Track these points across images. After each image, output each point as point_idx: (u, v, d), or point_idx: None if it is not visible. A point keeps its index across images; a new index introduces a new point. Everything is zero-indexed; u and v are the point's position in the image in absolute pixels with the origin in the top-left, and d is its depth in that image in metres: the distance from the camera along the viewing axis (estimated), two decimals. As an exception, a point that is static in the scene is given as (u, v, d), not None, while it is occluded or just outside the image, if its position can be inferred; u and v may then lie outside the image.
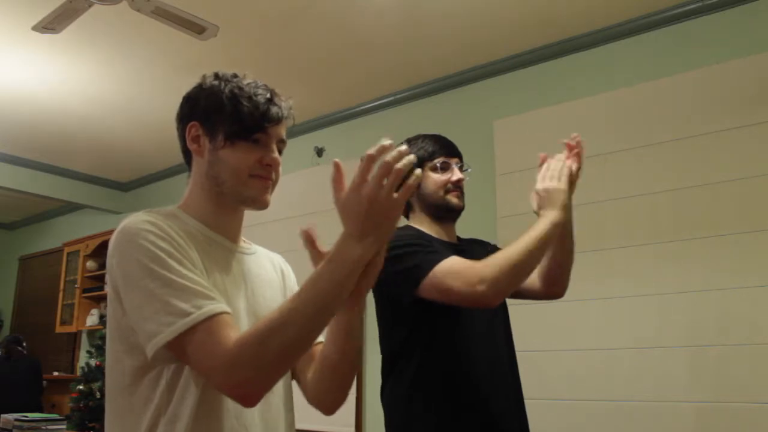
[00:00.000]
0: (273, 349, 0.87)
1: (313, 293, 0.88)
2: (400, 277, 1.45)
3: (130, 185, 5.39)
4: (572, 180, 1.52)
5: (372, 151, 0.84)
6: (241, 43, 3.11)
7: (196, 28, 2.68)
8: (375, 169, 0.84)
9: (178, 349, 0.91)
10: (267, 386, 0.92)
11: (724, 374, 2.34)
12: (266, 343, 0.87)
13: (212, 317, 0.90)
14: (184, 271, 0.93)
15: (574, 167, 1.53)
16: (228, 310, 0.94)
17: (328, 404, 1.12)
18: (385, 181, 0.84)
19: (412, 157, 0.85)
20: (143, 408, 0.95)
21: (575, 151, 1.54)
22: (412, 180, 0.86)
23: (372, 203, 0.85)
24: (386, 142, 0.85)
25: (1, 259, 6.92)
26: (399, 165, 0.84)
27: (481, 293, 1.36)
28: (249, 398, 0.92)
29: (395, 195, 0.85)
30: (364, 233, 0.87)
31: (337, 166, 0.92)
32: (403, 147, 0.85)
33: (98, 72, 3.44)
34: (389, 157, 0.84)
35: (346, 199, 0.88)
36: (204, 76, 1.11)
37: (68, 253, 5.63)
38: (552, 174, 1.48)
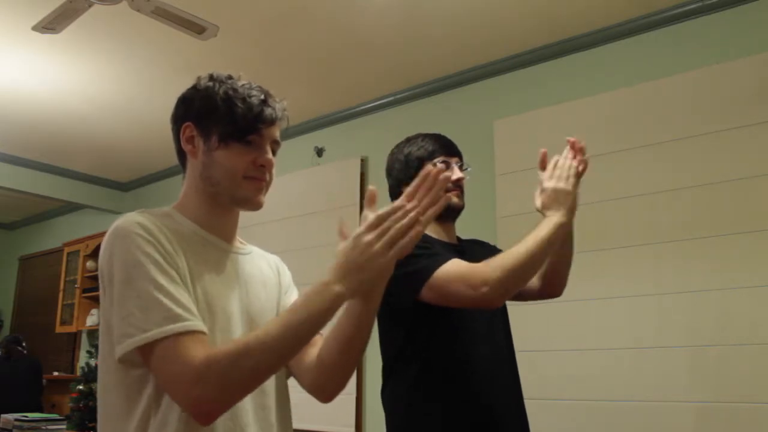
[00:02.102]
0: (243, 370, 0.88)
1: (289, 322, 0.91)
2: (401, 281, 1.45)
3: (130, 185, 5.40)
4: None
5: (383, 212, 0.93)
6: (241, 43, 3.11)
7: (196, 28, 2.68)
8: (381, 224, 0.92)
9: (143, 358, 0.92)
10: (227, 406, 0.92)
11: (724, 374, 2.33)
12: (237, 365, 0.88)
13: (175, 335, 0.90)
14: (162, 282, 0.93)
15: (580, 168, 1.53)
16: (199, 328, 0.93)
17: (328, 390, 1.11)
18: (385, 237, 0.92)
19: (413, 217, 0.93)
20: (131, 409, 0.95)
21: (579, 157, 1.54)
22: (406, 241, 0.92)
23: (364, 252, 0.91)
24: (399, 203, 0.94)
25: (1, 259, 6.92)
26: (402, 224, 0.92)
27: (484, 296, 1.35)
28: (206, 416, 0.91)
29: (390, 253, 0.92)
30: (345, 275, 0.92)
31: (370, 201, 0.99)
32: (411, 206, 0.94)
33: (98, 72, 3.44)
34: (395, 217, 0.92)
35: (347, 243, 0.93)
36: (199, 78, 1.12)
37: (68, 253, 5.64)
38: (561, 173, 1.44)
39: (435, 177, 0.95)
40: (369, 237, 0.91)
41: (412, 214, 0.92)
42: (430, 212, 0.94)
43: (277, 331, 0.90)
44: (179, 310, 0.92)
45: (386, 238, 0.91)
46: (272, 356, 0.90)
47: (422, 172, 0.96)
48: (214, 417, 0.92)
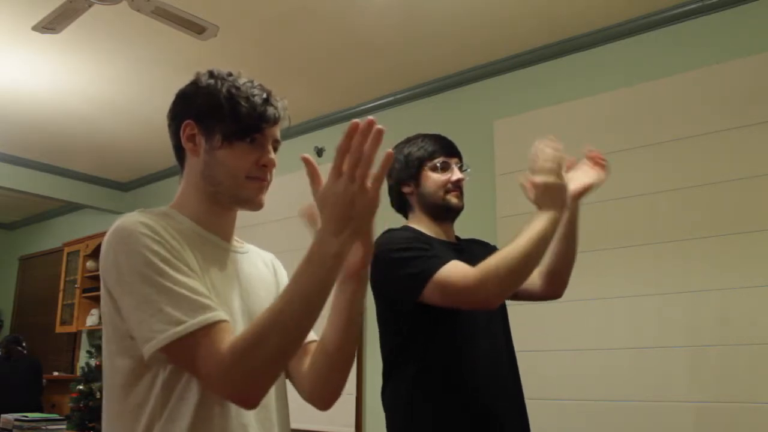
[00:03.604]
0: (265, 352, 0.87)
1: (296, 293, 0.89)
2: (402, 282, 1.45)
3: (130, 185, 5.40)
4: (591, 188, 1.54)
5: (341, 143, 0.85)
6: (241, 43, 3.11)
7: (196, 28, 2.68)
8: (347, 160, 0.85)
9: (172, 355, 0.92)
10: (265, 388, 0.92)
11: (724, 374, 2.33)
12: (258, 347, 0.87)
13: (206, 326, 0.90)
14: (180, 278, 0.93)
15: (600, 178, 1.55)
16: (225, 318, 0.93)
17: (325, 397, 1.11)
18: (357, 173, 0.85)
19: (378, 131, 0.85)
20: (138, 410, 0.94)
21: (599, 161, 1.56)
22: (379, 171, 0.86)
23: (345, 197, 0.86)
24: (354, 121, 0.85)
25: (1, 259, 6.92)
26: (365, 153, 0.84)
27: (482, 298, 1.37)
28: (248, 401, 0.92)
29: (369, 185, 0.86)
30: (340, 228, 0.87)
31: (307, 162, 0.93)
32: (370, 119, 0.84)
33: (98, 72, 3.44)
34: (356, 145, 0.84)
35: (323, 195, 0.89)
36: (198, 74, 1.10)
37: (68, 253, 5.64)
38: (549, 166, 1.39)
39: (364, 131, 0.84)
40: (342, 182, 0.86)
41: (371, 136, 0.84)
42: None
43: (286, 307, 0.88)
44: (205, 301, 0.92)
45: (358, 175, 0.85)
46: (288, 334, 0.89)
47: (348, 128, 0.85)
48: (256, 401, 0.92)
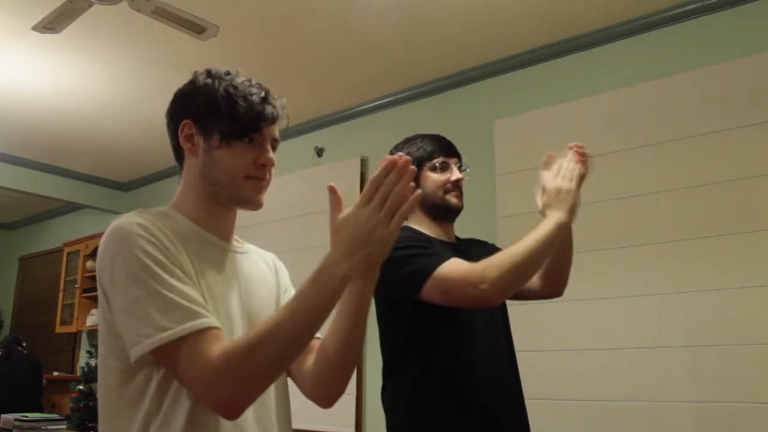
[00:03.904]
0: (258, 363, 0.87)
1: (299, 308, 0.89)
2: (402, 281, 1.45)
3: (130, 185, 5.40)
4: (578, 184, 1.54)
5: (377, 175, 0.87)
6: (241, 43, 3.11)
7: (196, 28, 2.68)
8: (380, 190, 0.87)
9: (160, 359, 0.91)
10: (250, 400, 0.92)
11: (724, 374, 2.33)
12: (251, 358, 0.87)
13: (195, 333, 0.90)
14: (172, 282, 0.92)
15: (582, 171, 1.53)
16: (215, 325, 0.93)
17: (328, 394, 1.10)
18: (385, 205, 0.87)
19: (411, 170, 0.88)
20: (132, 411, 0.94)
21: (581, 157, 1.55)
22: (405, 208, 0.88)
23: (368, 223, 0.87)
24: (390, 156, 0.88)
25: (1, 259, 6.92)
26: (398, 188, 0.86)
27: (483, 295, 1.35)
28: (231, 412, 0.91)
29: (393, 222, 0.87)
30: (353, 251, 0.88)
31: (332, 191, 0.94)
32: (406, 159, 0.88)
33: (98, 72, 3.44)
34: (391, 180, 0.87)
35: (344, 219, 0.90)
36: (196, 73, 1.10)
37: (68, 253, 5.64)
38: (565, 174, 1.44)
39: (400, 169, 0.87)
40: (369, 208, 0.87)
41: (407, 175, 0.87)
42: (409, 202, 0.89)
43: (287, 320, 0.88)
44: (195, 307, 0.92)
45: (387, 206, 0.87)
46: (285, 346, 0.89)
47: (386, 163, 0.88)
48: (240, 412, 0.92)
